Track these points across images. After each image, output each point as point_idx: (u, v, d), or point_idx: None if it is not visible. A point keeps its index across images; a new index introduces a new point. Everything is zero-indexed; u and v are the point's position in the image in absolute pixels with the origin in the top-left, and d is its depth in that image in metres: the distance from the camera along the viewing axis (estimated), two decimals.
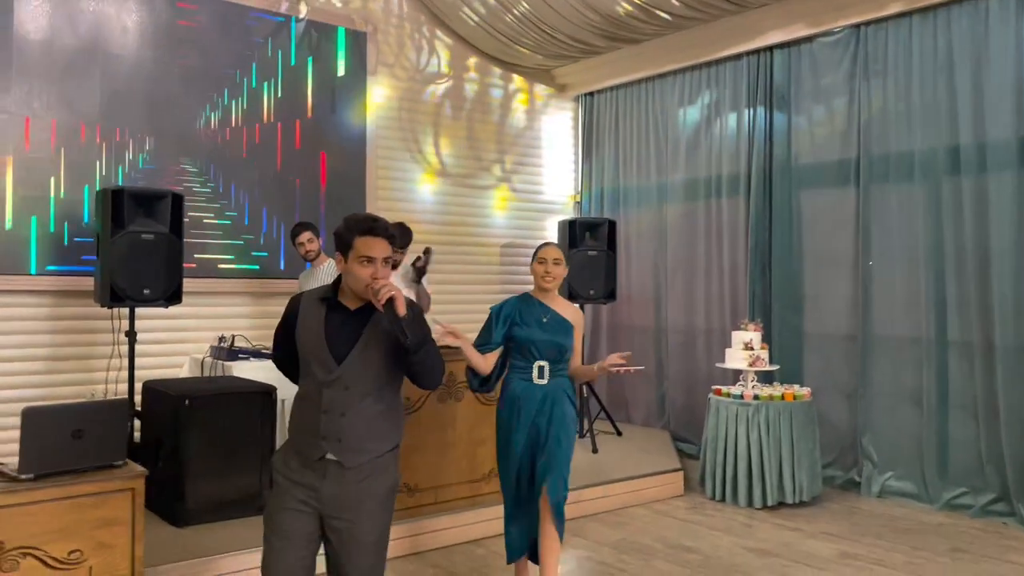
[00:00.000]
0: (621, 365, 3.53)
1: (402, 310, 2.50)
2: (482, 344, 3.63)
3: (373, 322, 2.62)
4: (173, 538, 4.21)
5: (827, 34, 6.15)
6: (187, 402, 4.38)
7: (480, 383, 3.72)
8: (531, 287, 3.73)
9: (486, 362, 3.60)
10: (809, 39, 6.25)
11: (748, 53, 6.63)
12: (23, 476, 2.98)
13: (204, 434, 4.43)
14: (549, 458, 3.57)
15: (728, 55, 6.74)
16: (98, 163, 5.57)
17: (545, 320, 3.61)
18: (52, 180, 5.41)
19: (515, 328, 3.62)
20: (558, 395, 3.62)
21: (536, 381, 3.60)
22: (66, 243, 5.43)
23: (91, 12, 5.55)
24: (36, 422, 3.00)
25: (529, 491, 3.64)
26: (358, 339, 2.61)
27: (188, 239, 5.83)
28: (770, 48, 6.49)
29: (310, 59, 6.49)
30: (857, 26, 5.95)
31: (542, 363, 3.59)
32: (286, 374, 2.88)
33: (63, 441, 3.05)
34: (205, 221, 6.00)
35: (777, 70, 6.48)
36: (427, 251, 5.50)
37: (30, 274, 5.33)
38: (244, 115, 6.18)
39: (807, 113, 6.33)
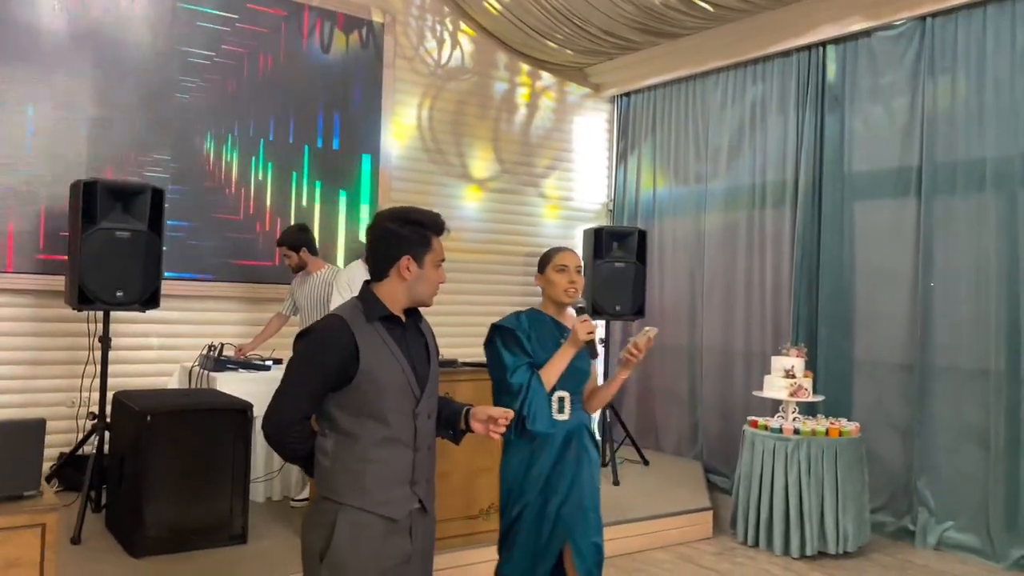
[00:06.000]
0: (629, 346, 2.83)
1: None
2: (524, 360, 2.82)
3: (425, 328, 2.37)
4: (125, 571, 3.78)
5: (887, 27, 5.51)
6: (148, 418, 3.95)
7: (538, 418, 2.77)
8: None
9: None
10: (867, 32, 5.62)
11: (798, 49, 6.00)
12: None
13: (168, 454, 3.99)
14: (578, 517, 2.84)
15: (776, 51, 6.12)
16: (84, 154, 5.21)
17: (564, 341, 2.87)
18: (37, 171, 5.07)
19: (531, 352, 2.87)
20: (583, 433, 2.94)
21: (556, 416, 2.86)
22: (48, 239, 5.07)
23: None
24: None
25: (550, 554, 2.85)
26: (428, 353, 2.28)
27: (180, 238, 5.48)
28: (823, 43, 5.86)
29: (321, 49, 6.06)
30: (922, 17, 5.30)
31: (562, 394, 2.87)
32: (295, 442, 2.19)
33: None
34: (199, 219, 5.60)
35: (830, 67, 5.85)
36: None
37: (7, 272, 4.98)
38: (246, 107, 5.77)
39: (863, 115, 5.69)
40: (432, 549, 2.35)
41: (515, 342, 2.85)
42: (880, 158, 5.57)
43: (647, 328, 2.87)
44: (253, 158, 5.82)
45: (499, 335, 2.88)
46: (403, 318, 2.28)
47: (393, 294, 2.24)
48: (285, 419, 2.15)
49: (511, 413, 2.33)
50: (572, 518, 2.84)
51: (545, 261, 2.99)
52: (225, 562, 3.93)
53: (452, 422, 2.38)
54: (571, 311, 2.98)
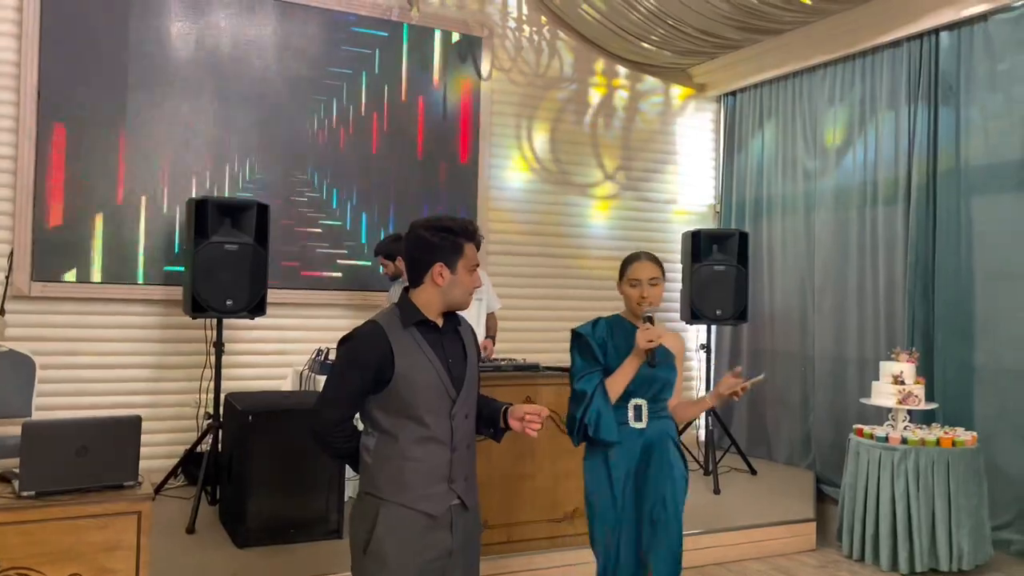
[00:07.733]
0: (738, 385, 2.82)
1: None
2: (594, 368, 2.88)
3: (463, 331, 2.45)
4: (227, 560, 4.04)
5: (1005, 9, 5.15)
6: (250, 417, 4.21)
7: (602, 426, 2.81)
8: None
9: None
10: (983, 16, 5.27)
11: (909, 38, 5.70)
12: (24, 494, 2.84)
13: (267, 451, 4.25)
14: (655, 527, 2.88)
15: (884, 42, 5.83)
16: (206, 174, 5.62)
17: None
18: (162, 191, 5.51)
19: (606, 358, 2.91)
20: (663, 442, 2.93)
21: (633, 424, 2.89)
22: (171, 252, 5.51)
23: (201, 27, 5.61)
24: (37, 438, 2.86)
25: (629, 565, 2.92)
26: (465, 356, 2.37)
27: (291, 250, 5.80)
28: (935, 30, 5.54)
29: (421, 66, 6.28)
30: None
31: (639, 402, 2.89)
32: (337, 441, 2.33)
33: (66, 458, 2.88)
34: (311, 232, 5.92)
35: (944, 56, 5.52)
36: None
37: (136, 283, 5.44)
38: (354, 125, 6.06)
39: (980, 105, 5.33)
40: (476, 544, 2.43)
41: (587, 348, 2.91)
42: (1000, 151, 5.20)
43: (764, 374, 2.97)
44: (363, 171, 6.09)
45: (575, 341, 2.96)
46: (439, 323, 2.36)
47: (428, 300, 2.33)
48: (329, 419, 2.29)
49: (545, 411, 2.37)
50: (653, 526, 2.87)
51: (621, 272, 3.02)
52: (320, 555, 4.13)
53: (493, 420, 2.45)
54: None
